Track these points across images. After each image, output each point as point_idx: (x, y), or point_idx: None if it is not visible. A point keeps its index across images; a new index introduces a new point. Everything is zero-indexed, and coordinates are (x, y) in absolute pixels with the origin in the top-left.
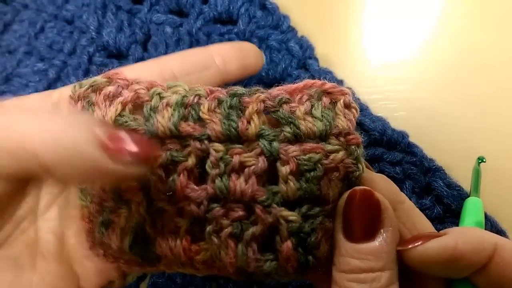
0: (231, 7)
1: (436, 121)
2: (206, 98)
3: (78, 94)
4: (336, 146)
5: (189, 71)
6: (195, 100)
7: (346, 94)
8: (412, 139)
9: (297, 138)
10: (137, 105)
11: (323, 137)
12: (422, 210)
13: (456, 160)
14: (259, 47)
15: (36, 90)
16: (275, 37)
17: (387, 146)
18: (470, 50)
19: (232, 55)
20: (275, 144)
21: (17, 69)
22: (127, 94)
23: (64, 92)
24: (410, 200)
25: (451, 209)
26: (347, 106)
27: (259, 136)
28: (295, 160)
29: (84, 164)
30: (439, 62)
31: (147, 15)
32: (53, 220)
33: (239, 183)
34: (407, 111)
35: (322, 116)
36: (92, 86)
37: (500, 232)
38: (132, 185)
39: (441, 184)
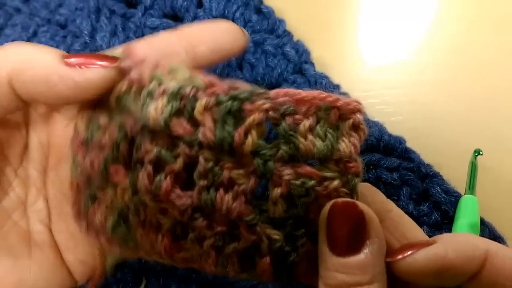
0: (226, 11)
1: (433, 124)
2: (204, 92)
3: None
4: (333, 174)
5: (155, 58)
6: (192, 93)
7: (357, 112)
8: (409, 143)
9: (294, 159)
10: (141, 87)
11: (321, 160)
12: (419, 216)
13: (454, 163)
14: (255, 52)
15: None
16: (270, 42)
17: (384, 152)
18: (466, 51)
19: (203, 37)
20: (270, 164)
21: None
22: (134, 75)
23: None
24: (408, 206)
25: (449, 216)
26: (356, 127)
27: (254, 153)
28: (288, 183)
29: (43, 70)
30: (435, 65)
31: (141, 19)
32: (41, 211)
33: (226, 200)
34: (403, 115)
35: (325, 136)
36: None
37: (498, 238)
38: (120, 170)
39: (439, 190)
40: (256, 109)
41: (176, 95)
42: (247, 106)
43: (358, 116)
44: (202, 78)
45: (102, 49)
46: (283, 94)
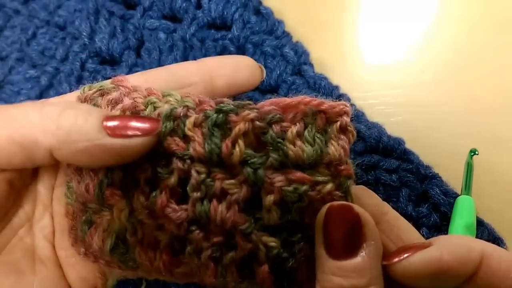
0: (225, 12)
1: (432, 125)
2: (194, 110)
3: (86, 95)
4: (325, 177)
5: (173, 86)
6: (183, 113)
7: (344, 114)
8: (408, 144)
9: (284, 165)
10: (136, 112)
11: (312, 165)
12: (418, 218)
13: (453, 165)
14: (254, 53)
15: (28, 98)
16: (269, 43)
17: (383, 153)
18: (466, 52)
19: (223, 72)
20: (260, 172)
21: (8, 76)
22: (127, 101)
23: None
24: (407, 208)
25: (448, 217)
26: (343, 129)
27: (244, 162)
28: (280, 190)
29: (85, 143)
30: (435, 65)
31: (140, 20)
32: (46, 227)
33: (220, 211)
34: (403, 116)
35: (314, 141)
36: (100, 90)
37: (497, 240)
38: (115, 192)
39: (438, 191)
40: (241, 119)
41: (169, 116)
42: (233, 117)
43: (345, 118)
44: (192, 98)
45: (101, 51)
46: (269, 103)
